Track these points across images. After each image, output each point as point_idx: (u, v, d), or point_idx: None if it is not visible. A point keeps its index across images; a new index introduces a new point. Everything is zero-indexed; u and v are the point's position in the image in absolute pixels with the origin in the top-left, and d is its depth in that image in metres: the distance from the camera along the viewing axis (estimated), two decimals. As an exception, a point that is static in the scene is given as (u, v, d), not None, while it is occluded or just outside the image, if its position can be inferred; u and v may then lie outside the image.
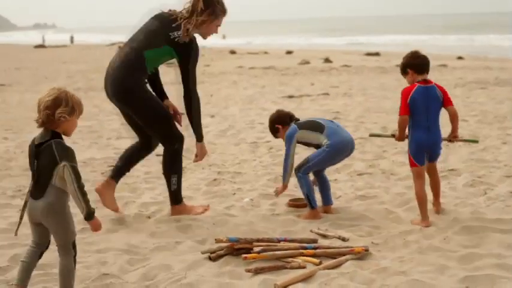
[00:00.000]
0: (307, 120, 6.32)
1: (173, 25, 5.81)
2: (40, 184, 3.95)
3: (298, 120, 6.30)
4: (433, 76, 21.03)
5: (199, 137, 6.09)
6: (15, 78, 22.73)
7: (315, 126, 6.07)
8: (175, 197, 6.11)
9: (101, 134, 10.47)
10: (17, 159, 8.86)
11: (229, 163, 8.48)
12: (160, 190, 6.99)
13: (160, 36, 5.80)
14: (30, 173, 4.03)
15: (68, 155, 3.88)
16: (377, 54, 35.03)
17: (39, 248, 4.15)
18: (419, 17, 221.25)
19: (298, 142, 6.13)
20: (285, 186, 6.24)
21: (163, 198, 6.63)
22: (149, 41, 5.82)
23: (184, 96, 5.91)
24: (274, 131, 6.36)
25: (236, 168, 8.13)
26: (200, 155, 6.19)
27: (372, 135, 7.03)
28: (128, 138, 10.36)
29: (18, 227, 4.29)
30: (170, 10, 5.96)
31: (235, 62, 29.17)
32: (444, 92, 5.80)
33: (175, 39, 5.78)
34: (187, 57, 5.83)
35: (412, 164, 5.72)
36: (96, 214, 3.99)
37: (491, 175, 7.28)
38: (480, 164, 7.87)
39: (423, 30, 76.46)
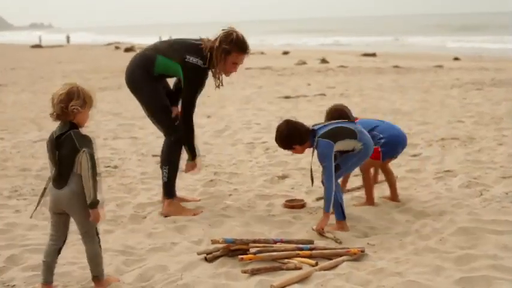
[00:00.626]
0: (334, 128, 5.62)
1: (194, 50, 5.97)
2: (63, 174, 4.19)
3: (314, 130, 5.64)
4: (429, 77, 20.95)
5: (191, 157, 6.31)
6: (11, 78, 22.70)
7: (349, 132, 5.58)
8: (166, 190, 6.22)
9: (97, 134, 10.45)
10: (13, 160, 8.84)
11: (225, 164, 8.48)
12: (157, 191, 6.99)
13: (179, 53, 5.95)
14: (49, 165, 4.30)
15: (87, 142, 4.15)
16: (373, 55, 35.09)
17: (57, 243, 4.36)
18: (420, 17, 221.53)
19: None
20: (327, 217, 5.47)
21: (160, 199, 6.63)
22: (167, 50, 6.01)
23: (180, 121, 6.12)
24: (289, 148, 5.74)
25: (232, 168, 8.12)
26: (194, 169, 6.43)
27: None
28: (125, 138, 10.40)
29: (35, 210, 4.62)
30: (204, 38, 6.07)
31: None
32: None
33: (187, 62, 5.92)
34: (186, 80, 5.97)
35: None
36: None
37: (487, 176, 7.29)
38: (476, 165, 7.87)
39: (420, 31, 76.54)
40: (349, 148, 5.60)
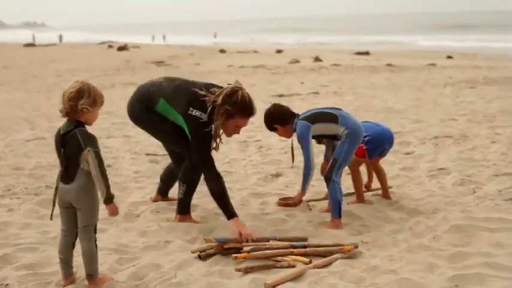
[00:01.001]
0: (315, 112, 5.82)
1: (198, 102, 5.52)
2: (70, 170, 4.25)
3: (297, 114, 5.85)
4: (422, 75, 20.97)
5: (227, 217, 5.46)
6: (4, 77, 22.63)
7: (328, 116, 5.71)
8: (180, 206, 5.97)
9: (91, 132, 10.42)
10: (6, 159, 8.81)
11: (219, 162, 8.42)
12: (150, 189, 6.98)
13: (182, 103, 5.57)
14: (57, 161, 4.31)
15: (92, 141, 4.21)
16: (367, 53, 35.13)
17: (69, 237, 4.43)
18: (420, 15, 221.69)
19: (312, 137, 5.74)
20: (302, 195, 5.89)
21: (152, 196, 6.63)
22: (171, 96, 5.68)
23: (204, 178, 5.60)
24: (272, 129, 5.96)
25: (226, 167, 8.12)
26: (240, 231, 5.24)
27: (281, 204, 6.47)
28: (118, 137, 10.38)
29: (52, 211, 4.52)
30: (213, 90, 5.57)
31: (225, 61, 29.16)
32: None
33: (190, 115, 5.51)
34: (195, 137, 5.52)
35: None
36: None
37: (480, 174, 7.31)
38: (469, 163, 7.89)
39: (414, 29, 76.69)
40: (332, 133, 5.73)
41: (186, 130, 5.60)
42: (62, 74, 23.02)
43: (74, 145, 4.20)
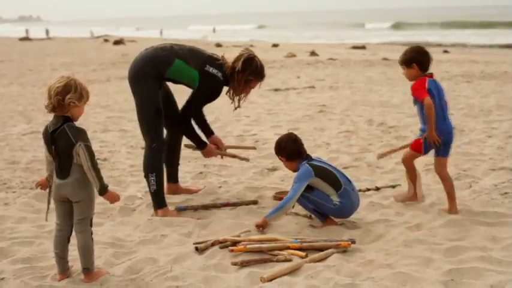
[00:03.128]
0: (324, 167, 5.54)
1: (214, 63, 5.95)
2: (64, 165, 4.26)
3: (310, 157, 5.62)
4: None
5: (200, 147, 6.33)
6: None
7: (333, 180, 5.46)
8: (157, 200, 5.89)
9: (86, 126, 10.29)
10: (1, 152, 8.79)
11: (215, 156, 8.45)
12: (146, 184, 6.95)
13: (198, 61, 5.89)
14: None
15: (82, 135, 4.22)
16: (363, 47, 35.12)
17: (65, 232, 4.45)
18: (425, 10, 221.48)
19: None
20: (265, 222, 5.42)
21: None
22: (186, 56, 5.87)
23: (175, 120, 6.17)
24: (278, 155, 5.78)
25: (222, 161, 8.11)
26: (215, 155, 6.50)
27: (383, 155, 6.43)
28: (114, 131, 10.37)
29: (47, 211, 4.60)
30: (221, 56, 6.10)
31: (220, 54, 29.09)
32: None
33: (207, 71, 5.88)
34: (202, 88, 5.92)
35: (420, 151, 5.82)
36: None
37: (477, 168, 7.32)
38: (465, 157, 7.90)
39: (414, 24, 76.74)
40: (324, 191, 5.45)
41: (195, 85, 5.88)
42: (58, 68, 22.95)
43: (64, 141, 4.20)
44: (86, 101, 4.30)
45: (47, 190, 4.50)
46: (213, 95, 5.97)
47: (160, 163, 5.92)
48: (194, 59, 5.87)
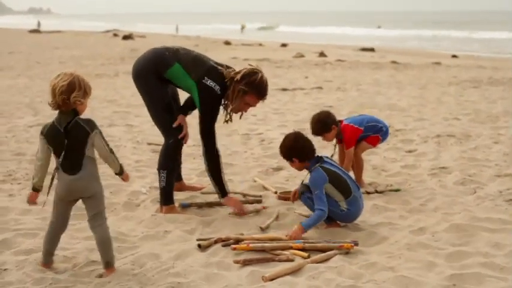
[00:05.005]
0: (337, 172, 5.44)
1: (214, 74, 5.65)
2: (74, 159, 4.28)
3: (321, 159, 5.49)
4: (427, 73, 20.91)
5: (221, 194, 5.81)
6: (8, 62, 22.61)
7: (344, 187, 5.40)
8: (164, 196, 5.87)
9: (92, 121, 10.43)
10: (7, 144, 8.82)
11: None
12: (151, 178, 6.98)
13: (198, 71, 5.65)
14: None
15: (94, 124, 4.31)
16: (372, 49, 35.07)
17: (58, 230, 4.50)
18: (431, 14, 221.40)
19: None
20: (302, 231, 5.17)
21: (154, 186, 6.63)
22: (188, 62, 5.71)
23: (202, 152, 5.79)
24: (288, 159, 5.58)
25: (227, 159, 8.10)
26: (235, 208, 5.80)
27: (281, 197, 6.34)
28: (120, 126, 10.38)
29: (47, 197, 4.59)
30: (228, 67, 5.77)
31: (229, 53, 29.10)
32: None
33: (204, 84, 5.60)
34: (202, 106, 5.63)
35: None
36: None
37: (482, 174, 7.30)
38: (471, 162, 7.88)
39: (419, 27, 76.67)
40: (334, 198, 5.39)
41: (196, 98, 5.64)
42: (66, 61, 23.01)
43: (79, 133, 4.24)
44: (89, 96, 4.35)
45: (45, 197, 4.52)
46: (213, 109, 5.66)
47: (174, 161, 5.91)
48: (195, 69, 5.66)
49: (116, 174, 4.51)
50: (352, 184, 5.49)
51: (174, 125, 5.80)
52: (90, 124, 4.27)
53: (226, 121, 5.80)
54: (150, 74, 5.75)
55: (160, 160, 5.89)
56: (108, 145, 4.36)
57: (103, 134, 4.36)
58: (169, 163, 5.86)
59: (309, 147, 5.47)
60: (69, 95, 4.18)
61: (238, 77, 5.59)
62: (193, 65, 5.70)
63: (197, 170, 7.50)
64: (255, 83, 5.59)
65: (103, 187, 4.49)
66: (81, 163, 4.27)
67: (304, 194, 5.50)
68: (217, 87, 5.61)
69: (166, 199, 5.88)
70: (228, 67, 5.79)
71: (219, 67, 5.73)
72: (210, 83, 5.60)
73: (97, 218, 4.38)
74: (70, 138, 4.24)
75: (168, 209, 5.86)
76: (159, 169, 5.87)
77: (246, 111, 5.82)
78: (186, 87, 5.74)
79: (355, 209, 5.46)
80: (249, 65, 5.75)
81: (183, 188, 6.61)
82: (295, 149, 5.46)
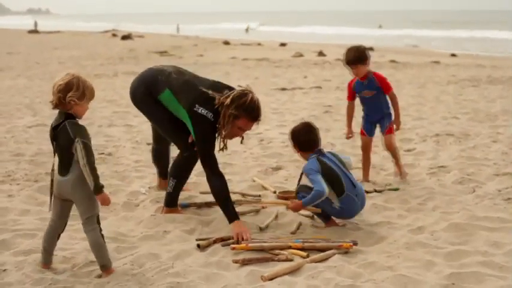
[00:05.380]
0: (332, 168, 5.42)
1: (205, 100, 5.41)
2: (64, 162, 4.28)
3: (321, 152, 5.52)
4: (426, 72, 20.82)
5: (228, 219, 5.36)
6: (7, 63, 22.61)
7: (336, 184, 5.37)
8: (168, 200, 5.89)
9: (92, 121, 10.44)
10: (6, 144, 8.82)
11: (219, 154, 8.44)
12: (150, 179, 6.99)
13: (190, 99, 5.46)
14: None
15: (81, 131, 4.20)
16: (371, 49, 35.07)
17: (57, 228, 4.50)
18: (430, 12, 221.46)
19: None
20: (300, 206, 5.37)
21: (153, 186, 6.64)
22: (178, 89, 5.59)
23: (206, 178, 5.52)
24: (292, 143, 5.68)
25: (226, 159, 8.10)
26: (236, 235, 5.14)
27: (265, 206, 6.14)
28: (119, 126, 10.38)
29: (50, 203, 4.52)
30: (223, 91, 5.46)
31: (228, 52, 29.09)
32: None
33: (196, 112, 5.39)
34: (198, 135, 5.43)
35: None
36: None
37: (481, 173, 7.31)
38: (470, 161, 7.89)
39: (418, 26, 76.68)
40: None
41: (189, 127, 5.49)
42: (65, 62, 23.01)
43: (64, 137, 4.22)
44: (90, 99, 4.31)
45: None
46: (209, 137, 5.42)
47: (184, 172, 5.90)
48: (185, 96, 5.50)
49: (93, 192, 4.26)
50: (347, 182, 5.45)
51: (190, 141, 5.70)
52: (76, 131, 4.18)
53: (222, 149, 5.60)
54: (146, 97, 5.76)
55: (172, 169, 5.92)
56: (87, 157, 4.15)
57: (88, 144, 4.19)
58: (181, 173, 5.89)
59: (312, 140, 5.53)
60: (65, 94, 4.18)
61: (228, 101, 5.30)
62: (182, 91, 5.55)
63: (196, 170, 7.44)
64: (245, 105, 5.29)
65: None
66: (69, 166, 4.26)
67: (300, 193, 5.49)
68: (209, 114, 5.37)
69: (169, 202, 5.90)
70: (224, 87, 5.58)
71: (210, 91, 5.45)
72: (201, 110, 5.37)
73: (88, 223, 4.37)
74: (58, 140, 4.26)
75: (169, 210, 5.88)
76: (169, 176, 5.91)
77: (240, 136, 5.55)
78: (177, 114, 5.63)
79: (348, 208, 5.43)
80: (239, 86, 5.52)
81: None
82: (298, 138, 5.57)
